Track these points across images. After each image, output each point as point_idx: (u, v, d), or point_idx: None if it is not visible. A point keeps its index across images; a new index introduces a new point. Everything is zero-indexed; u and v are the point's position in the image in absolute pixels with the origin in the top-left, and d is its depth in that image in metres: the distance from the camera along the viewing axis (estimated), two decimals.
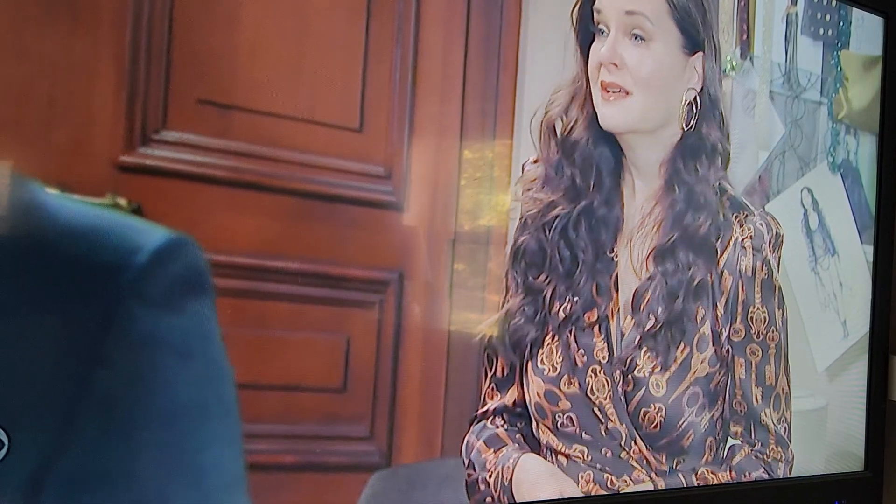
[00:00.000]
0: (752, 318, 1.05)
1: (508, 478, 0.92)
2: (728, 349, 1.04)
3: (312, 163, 0.79)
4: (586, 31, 0.96)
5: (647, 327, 0.98)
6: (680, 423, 1.00)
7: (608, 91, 0.95)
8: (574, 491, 0.95)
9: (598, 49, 0.96)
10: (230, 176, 0.75)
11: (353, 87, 0.82)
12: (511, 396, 0.95)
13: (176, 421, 0.39)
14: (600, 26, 0.96)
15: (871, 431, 1.27)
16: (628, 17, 0.95)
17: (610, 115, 0.96)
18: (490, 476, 0.92)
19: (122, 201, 0.70)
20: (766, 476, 1.09)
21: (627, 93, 0.96)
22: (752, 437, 1.07)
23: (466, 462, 0.91)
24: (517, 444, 0.94)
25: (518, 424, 0.95)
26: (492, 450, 0.92)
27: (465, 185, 0.89)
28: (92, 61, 0.69)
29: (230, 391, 0.43)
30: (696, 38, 0.99)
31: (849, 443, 1.26)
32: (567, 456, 0.96)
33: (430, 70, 0.86)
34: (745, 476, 1.07)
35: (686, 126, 1.01)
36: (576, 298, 0.96)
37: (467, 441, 0.91)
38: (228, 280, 0.75)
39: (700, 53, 1.00)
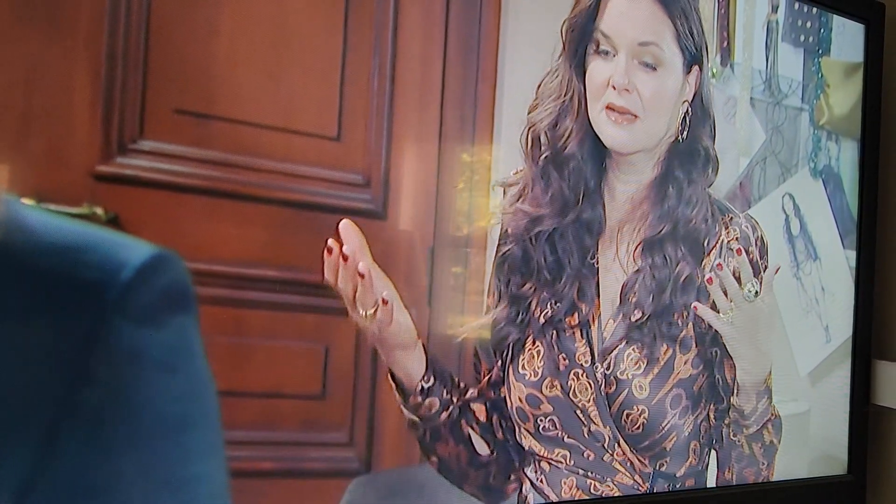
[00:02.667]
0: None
1: None
2: (716, 351, 1.05)
3: (290, 171, 0.80)
4: (581, 47, 0.96)
5: (634, 320, 0.99)
6: (663, 424, 1.00)
7: (616, 112, 0.96)
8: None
9: (603, 70, 0.96)
10: (207, 185, 0.75)
11: (331, 96, 0.82)
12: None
13: (161, 435, 0.39)
14: (604, 47, 0.96)
15: (853, 435, 1.28)
16: (642, 47, 0.97)
17: (617, 136, 0.97)
18: None
19: (99, 211, 0.71)
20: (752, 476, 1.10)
21: (636, 117, 0.97)
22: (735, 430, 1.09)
23: None
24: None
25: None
26: None
27: (445, 193, 0.89)
28: (68, 71, 0.70)
29: (214, 404, 0.44)
30: (695, 54, 1.02)
31: (831, 447, 1.26)
32: (549, 461, 0.97)
33: (409, 78, 0.87)
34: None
35: (682, 137, 1.03)
36: (558, 304, 0.96)
37: None
38: (207, 288, 0.76)
39: (696, 67, 1.02)
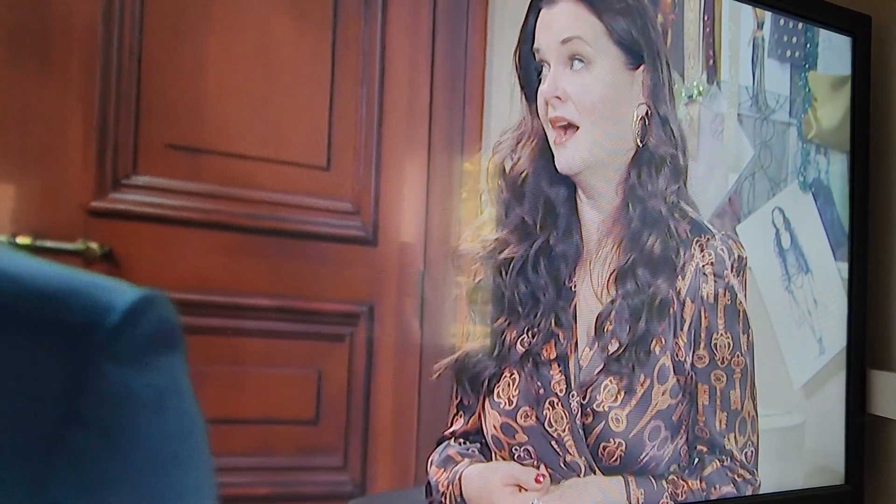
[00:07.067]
0: (715, 344, 1.04)
1: (458, 493, 0.92)
2: (692, 376, 1.02)
3: (282, 201, 0.81)
4: (530, 73, 0.96)
5: (612, 351, 0.97)
6: (641, 457, 0.98)
7: (558, 129, 0.94)
8: (518, 471, 0.94)
9: (543, 89, 0.95)
10: (200, 217, 0.77)
11: (319, 126, 0.84)
12: (473, 424, 0.95)
13: (152, 477, 0.40)
14: (542, 64, 0.95)
15: (850, 445, 1.28)
16: (564, 45, 0.94)
17: (563, 156, 0.95)
18: (444, 497, 0.91)
19: (94, 246, 0.72)
20: (734, 492, 1.09)
21: (576, 127, 0.95)
22: (718, 455, 1.07)
23: (426, 486, 0.91)
24: (468, 460, 0.93)
25: (478, 443, 0.95)
26: (443, 470, 0.92)
27: (434, 218, 0.91)
28: (62, 110, 0.71)
29: (204, 443, 0.44)
30: (638, 52, 0.98)
31: (828, 458, 1.27)
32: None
33: (397, 106, 0.88)
34: (713, 490, 1.07)
35: (641, 141, 0.99)
36: (534, 333, 0.95)
37: (430, 460, 0.92)
38: (201, 318, 0.77)
39: (643, 66, 0.99)
